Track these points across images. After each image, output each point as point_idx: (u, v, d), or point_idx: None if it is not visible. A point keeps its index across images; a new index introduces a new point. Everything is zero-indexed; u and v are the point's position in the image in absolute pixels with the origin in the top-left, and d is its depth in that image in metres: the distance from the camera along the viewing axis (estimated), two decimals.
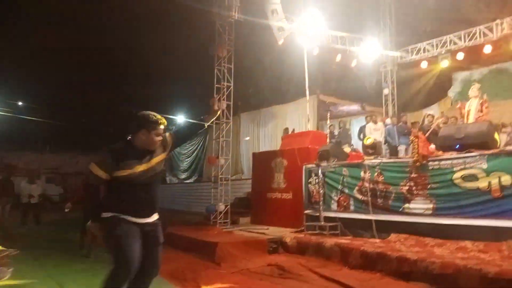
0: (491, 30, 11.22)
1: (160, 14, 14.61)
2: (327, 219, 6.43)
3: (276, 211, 7.85)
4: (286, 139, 9.73)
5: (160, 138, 2.65)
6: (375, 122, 10.91)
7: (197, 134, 17.58)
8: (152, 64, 17.67)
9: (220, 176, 8.40)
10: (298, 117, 13.24)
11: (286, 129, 12.64)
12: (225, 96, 8.45)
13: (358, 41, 12.83)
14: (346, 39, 12.45)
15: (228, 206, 8.26)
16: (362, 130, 11.19)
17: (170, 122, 20.39)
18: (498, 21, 11.03)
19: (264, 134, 15.29)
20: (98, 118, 23.04)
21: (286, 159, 7.96)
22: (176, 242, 6.63)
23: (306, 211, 7.01)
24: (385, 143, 10.68)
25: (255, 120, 15.67)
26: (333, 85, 15.26)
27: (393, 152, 10.22)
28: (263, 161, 8.54)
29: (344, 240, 5.51)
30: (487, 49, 11.40)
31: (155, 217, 2.71)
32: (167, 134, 2.77)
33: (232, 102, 8.74)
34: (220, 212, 8.09)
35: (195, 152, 19.67)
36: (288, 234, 6.23)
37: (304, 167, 7.23)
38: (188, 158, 20.07)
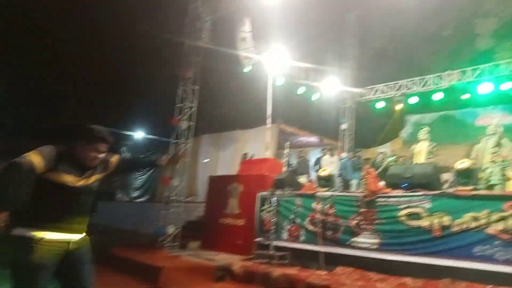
0: (441, 79, 12.10)
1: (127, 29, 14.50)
2: (277, 248, 6.40)
3: (227, 237, 7.72)
4: (244, 164, 9.74)
5: (99, 156, 2.47)
6: (332, 155, 11.25)
7: (153, 152, 17.16)
8: (114, 79, 17.31)
9: (172, 198, 8.19)
10: (258, 144, 13.35)
11: (245, 155, 12.68)
12: (187, 116, 8.40)
13: (321, 76, 13.35)
14: (309, 72, 12.92)
15: (179, 229, 8.03)
16: (318, 161, 11.46)
17: (126, 138, 19.86)
18: (448, 71, 11.94)
19: (224, 157, 15.22)
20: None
21: (242, 184, 7.93)
22: (120, 265, 6.31)
23: (257, 239, 6.95)
24: (339, 176, 10.99)
25: (216, 143, 15.61)
26: (295, 115, 15.65)
27: (346, 185, 10.52)
28: (219, 185, 8.45)
29: (291, 271, 5.49)
30: (437, 96, 12.25)
31: (83, 234, 2.49)
32: (114, 156, 2.63)
33: (194, 123, 8.69)
34: (169, 235, 7.84)
35: (150, 171, 19.15)
36: (236, 262, 6.12)
37: (258, 194, 7.23)
38: (141, 176, 19.48)
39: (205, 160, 15.51)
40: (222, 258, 6.79)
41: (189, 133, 8.52)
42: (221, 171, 14.19)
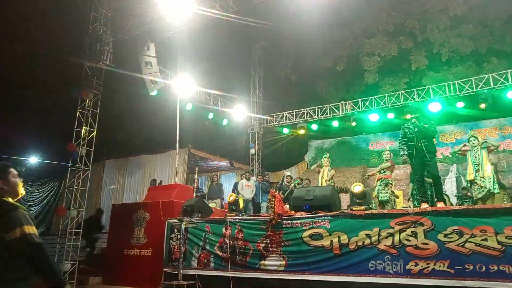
0: (338, 108, 13.32)
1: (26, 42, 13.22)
2: (187, 277, 6.21)
3: (133, 269, 7.25)
4: (151, 191, 9.35)
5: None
6: (248, 179, 11.44)
7: (50, 179, 15.55)
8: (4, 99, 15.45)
9: (70, 230, 7.46)
10: (168, 169, 13.00)
11: (154, 181, 12.21)
12: (85, 141, 7.83)
13: (230, 103, 13.69)
14: (219, 98, 13.16)
15: (75, 265, 7.29)
16: (236, 186, 11.57)
17: (19, 163, 17.64)
18: (342, 102, 13.21)
19: (130, 184, 14.44)
20: None
21: (148, 212, 7.58)
22: None
23: (165, 269, 6.66)
24: (253, 200, 11.20)
25: (122, 169, 14.76)
26: (205, 140, 15.70)
27: (257, 209, 10.76)
28: (123, 214, 7.95)
29: None
30: (335, 123, 13.42)
31: None
32: None
33: (93, 149, 8.14)
34: (65, 272, 7.07)
35: (46, 200, 17.24)
36: None
37: (167, 222, 6.98)
38: (36, 206, 17.40)
39: (111, 187, 14.53)
40: None
41: (89, 159, 7.94)
42: (128, 199, 13.43)
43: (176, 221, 6.68)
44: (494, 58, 14.61)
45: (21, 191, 2.33)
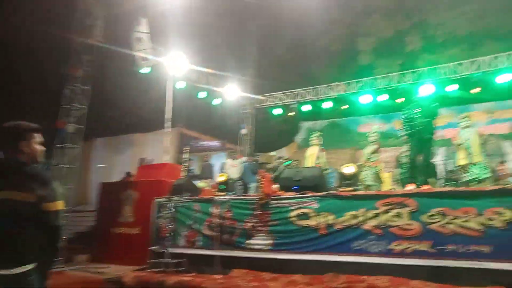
0: (331, 89, 13.25)
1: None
2: (174, 255, 6.26)
3: (121, 247, 7.29)
4: (141, 170, 9.32)
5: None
6: (234, 159, 11.43)
7: None
8: None
9: None
10: (157, 148, 12.94)
11: (143, 159, 12.16)
12: (75, 118, 7.72)
13: (222, 82, 13.53)
14: (211, 78, 13.00)
15: (63, 242, 7.30)
16: (223, 166, 11.57)
17: None
18: (336, 83, 13.13)
19: (121, 162, 14.38)
20: None
21: (137, 191, 7.57)
22: None
23: (152, 247, 6.71)
24: (239, 180, 11.22)
25: (112, 147, 14.68)
26: (196, 120, 15.58)
27: (246, 189, 10.80)
28: (112, 192, 7.94)
29: (187, 278, 5.42)
30: (327, 105, 13.37)
31: (20, 268, 1.96)
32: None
33: (83, 126, 8.03)
34: None
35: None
36: (128, 273, 5.81)
37: (155, 200, 6.99)
38: None
39: (100, 165, 14.46)
40: (114, 270, 6.38)
41: (78, 136, 7.84)
42: (118, 177, 13.39)
43: (165, 200, 6.69)
44: (489, 41, 14.55)
45: (41, 159, 2.25)
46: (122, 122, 15.04)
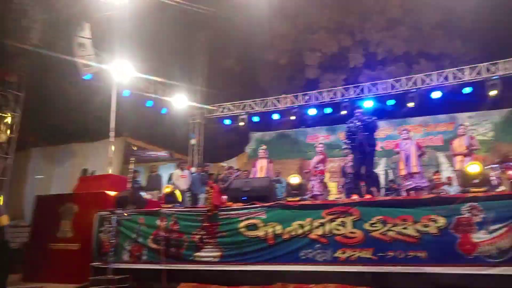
0: (279, 101, 13.55)
1: None
2: (117, 271, 5.96)
3: (58, 264, 6.79)
4: (82, 182, 8.83)
5: None
6: (182, 169, 11.19)
7: None
8: None
9: None
10: (101, 159, 12.33)
11: (85, 170, 11.54)
12: (6, 127, 7.15)
13: (171, 91, 13.31)
14: (159, 86, 12.73)
15: None
16: (171, 176, 11.26)
17: None
18: (283, 95, 13.47)
19: (61, 174, 13.51)
20: None
21: (77, 204, 7.14)
22: None
23: (93, 263, 6.33)
24: (188, 191, 11.01)
25: (50, 158, 13.75)
26: (143, 129, 15.09)
27: (195, 200, 10.61)
28: (48, 206, 7.41)
29: None
30: (275, 116, 13.65)
31: None
32: None
33: (17, 135, 7.46)
34: None
35: None
36: None
37: (97, 214, 6.63)
38: None
39: (38, 177, 13.47)
40: None
41: (10, 146, 7.26)
42: (57, 190, 12.55)
43: (107, 213, 6.37)
44: (423, 60, 15.73)
45: None
46: (62, 131, 14.15)
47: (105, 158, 11.76)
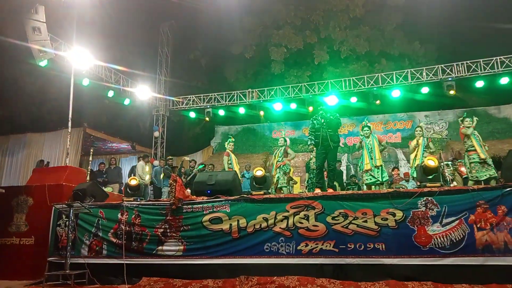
0: (245, 95, 13.54)
1: None
2: (75, 266, 5.73)
3: (10, 260, 6.44)
4: (37, 173, 8.38)
5: None
6: (146, 162, 10.95)
7: None
8: None
9: None
10: (57, 150, 11.80)
11: (41, 162, 10.99)
12: None
13: (134, 81, 12.92)
14: (121, 76, 12.32)
15: None
16: (133, 169, 10.98)
17: None
18: (249, 89, 13.48)
19: (11, 165, 12.79)
20: None
21: (32, 197, 6.78)
22: None
23: (50, 259, 6.06)
24: (151, 184, 10.80)
25: (1, 148, 12.97)
26: (104, 120, 14.61)
27: (158, 193, 10.42)
28: (0, 199, 6.99)
29: None
30: (241, 110, 13.63)
31: None
32: None
33: None
34: None
35: None
36: None
37: (53, 207, 6.33)
38: None
39: None
40: (1, 285, 5.61)
41: None
42: (8, 181, 11.88)
43: (65, 206, 6.10)
44: (383, 60, 16.29)
45: None
46: (14, 120, 13.38)
47: (62, 149, 11.28)
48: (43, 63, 8.49)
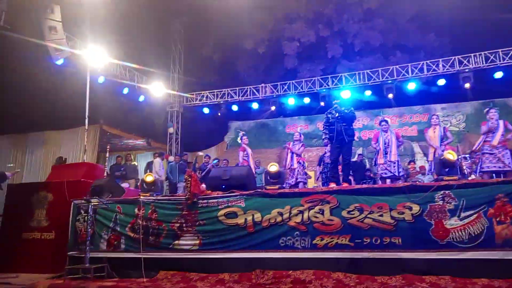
0: (258, 90, 13.53)
1: None
2: (94, 260, 5.86)
3: (32, 254, 6.62)
4: (56, 170, 8.57)
5: None
6: (162, 158, 11.08)
7: None
8: None
9: None
10: (75, 147, 12.02)
11: (60, 158, 11.21)
12: None
13: (148, 78, 13.05)
14: (135, 73, 12.46)
15: None
16: (149, 165, 11.13)
17: None
18: (263, 84, 13.46)
19: (32, 162, 13.09)
20: None
21: (51, 193, 6.94)
22: None
23: (70, 253, 6.22)
24: (166, 180, 10.93)
25: (20, 146, 13.27)
26: (119, 117, 14.79)
27: (173, 189, 10.54)
28: (21, 195, 7.17)
29: (109, 283, 5.12)
30: (255, 105, 13.64)
31: None
32: None
33: None
34: None
35: None
36: (41, 281, 5.32)
37: (72, 203, 6.48)
38: None
39: (9, 165, 13.00)
40: (23, 279, 5.79)
41: None
42: (28, 179, 12.17)
43: (83, 201, 6.24)
44: (398, 52, 16.04)
45: None
46: (32, 118, 13.67)
47: (79, 146, 11.49)
48: (59, 62, 8.64)
